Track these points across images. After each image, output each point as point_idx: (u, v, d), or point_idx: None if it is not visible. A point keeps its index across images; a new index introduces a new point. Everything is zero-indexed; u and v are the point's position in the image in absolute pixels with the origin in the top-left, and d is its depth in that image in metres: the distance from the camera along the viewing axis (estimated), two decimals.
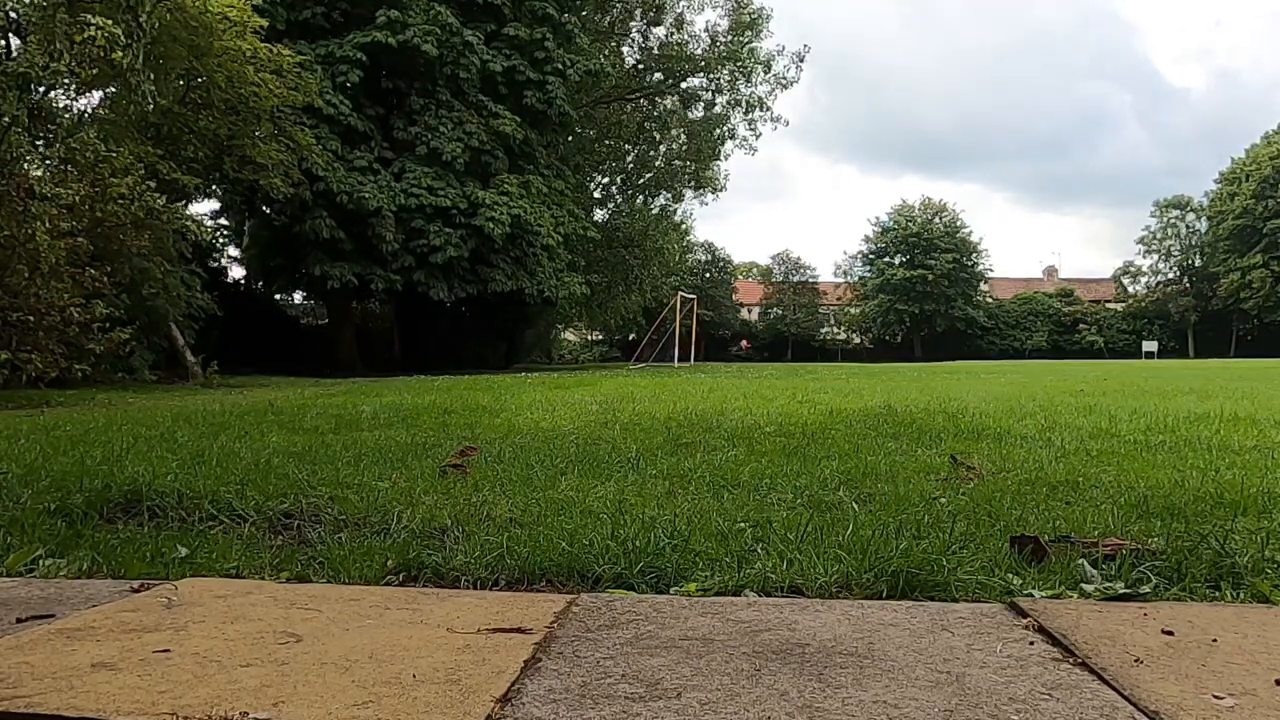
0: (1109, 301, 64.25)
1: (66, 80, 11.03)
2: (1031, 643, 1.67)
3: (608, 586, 2.10)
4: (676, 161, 35.43)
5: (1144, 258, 62.44)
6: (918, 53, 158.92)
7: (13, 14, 10.23)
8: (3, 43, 12.91)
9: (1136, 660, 1.55)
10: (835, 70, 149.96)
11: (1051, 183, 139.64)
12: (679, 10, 33.57)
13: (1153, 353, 54.83)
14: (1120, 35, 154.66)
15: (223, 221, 24.53)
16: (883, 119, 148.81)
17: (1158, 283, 61.60)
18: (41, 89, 10.95)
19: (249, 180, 17.83)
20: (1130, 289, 63.39)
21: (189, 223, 14.11)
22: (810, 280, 66.15)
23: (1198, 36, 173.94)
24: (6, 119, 10.13)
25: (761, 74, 34.08)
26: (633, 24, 33.42)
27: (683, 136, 35.21)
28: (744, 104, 34.60)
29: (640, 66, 33.91)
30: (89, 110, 15.86)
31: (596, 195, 35.78)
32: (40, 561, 2.32)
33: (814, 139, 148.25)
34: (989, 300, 64.03)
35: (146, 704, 1.32)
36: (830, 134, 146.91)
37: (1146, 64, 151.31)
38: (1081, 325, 60.74)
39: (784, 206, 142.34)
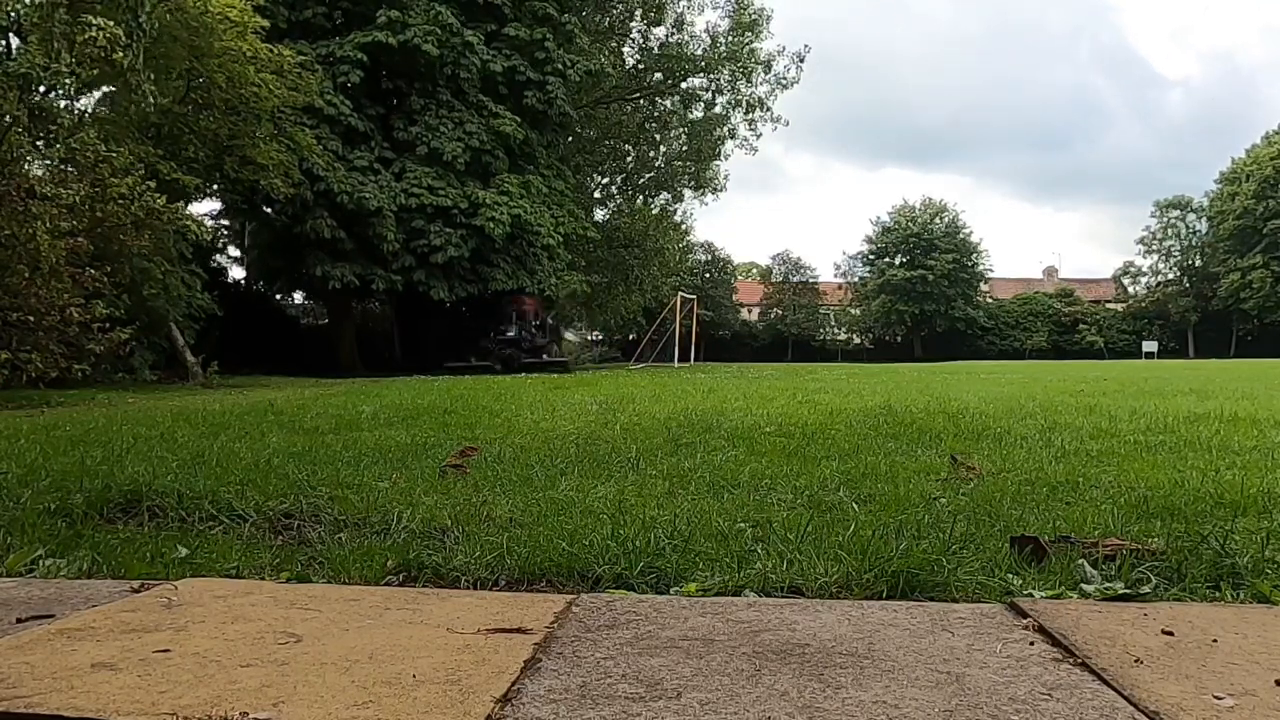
0: (1109, 302, 64.28)
1: (67, 81, 11.03)
2: (1031, 643, 1.66)
3: (608, 586, 2.10)
4: (677, 162, 35.45)
5: (1144, 258, 62.55)
6: (907, 45, 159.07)
7: (13, 14, 10.23)
8: (3, 43, 12.92)
9: (1136, 660, 1.55)
10: (827, 64, 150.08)
11: (1051, 178, 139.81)
12: (679, 10, 33.62)
13: (1153, 353, 54.83)
14: (1111, 27, 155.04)
15: (223, 222, 24.53)
16: (877, 114, 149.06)
17: (1158, 283, 61.64)
18: (42, 89, 10.95)
19: (249, 180, 17.82)
20: (1130, 289, 63.45)
21: (189, 223, 14.10)
22: (810, 281, 66.22)
23: (1191, 26, 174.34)
24: (7, 119, 10.13)
25: (762, 74, 34.13)
26: (633, 24, 33.43)
27: (683, 137, 35.23)
28: (744, 104, 34.64)
29: (640, 67, 33.92)
30: (89, 110, 15.88)
31: (596, 195, 35.80)
32: (40, 561, 2.32)
33: (809, 134, 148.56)
34: (989, 300, 64.07)
35: (146, 704, 1.32)
36: (825, 129, 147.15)
37: (1140, 58, 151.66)
38: (1081, 325, 60.76)
39: (780, 201, 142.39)
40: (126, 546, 2.43)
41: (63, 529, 2.62)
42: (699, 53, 33.68)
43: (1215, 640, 1.66)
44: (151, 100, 12.05)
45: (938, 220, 61.62)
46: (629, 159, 35.45)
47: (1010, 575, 2.11)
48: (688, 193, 36.92)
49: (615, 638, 1.68)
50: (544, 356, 22.58)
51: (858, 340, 65.48)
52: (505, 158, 23.28)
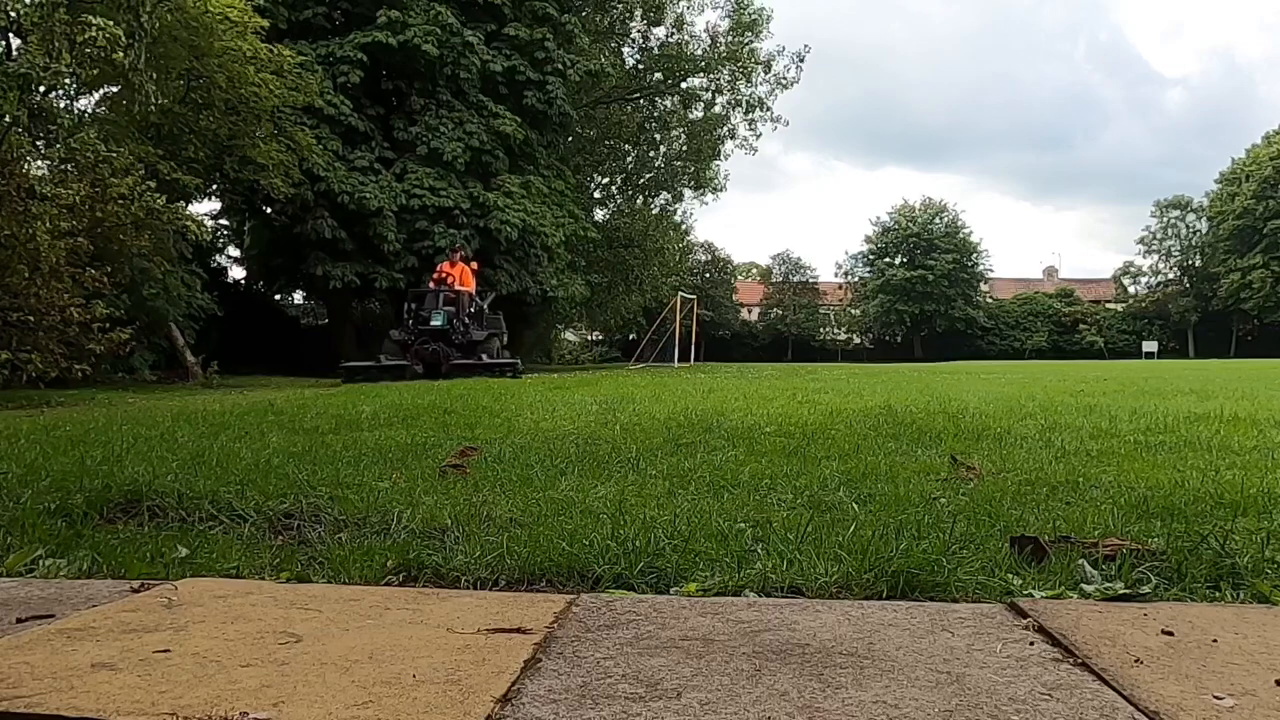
0: (1109, 302, 64.32)
1: (67, 81, 11.04)
2: (1031, 643, 1.66)
3: (608, 586, 2.10)
4: (677, 162, 35.48)
5: (1144, 258, 62.63)
6: (905, 43, 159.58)
7: (13, 14, 10.24)
8: (3, 43, 12.93)
9: (1136, 660, 1.55)
10: (825, 63, 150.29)
11: (1051, 177, 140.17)
12: (679, 10, 33.65)
13: (1153, 353, 54.86)
14: (1109, 25, 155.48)
15: (223, 221, 24.55)
16: (876, 112, 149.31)
17: (1158, 283, 61.71)
18: (42, 89, 10.95)
19: (249, 180, 17.85)
20: (1130, 289, 63.51)
21: (189, 223, 14.12)
22: (810, 280, 66.26)
23: (1188, 23, 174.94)
24: (7, 119, 10.13)
25: (762, 74, 34.18)
26: (633, 24, 33.46)
27: (683, 137, 35.27)
28: (744, 104, 34.69)
29: (640, 67, 33.95)
30: (89, 110, 15.90)
31: (596, 195, 35.83)
32: (40, 561, 2.32)
33: (808, 133, 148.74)
34: (989, 300, 64.11)
35: (146, 704, 1.32)
36: (824, 128, 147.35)
37: (1139, 55, 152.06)
38: (1081, 326, 60.79)
39: (780, 201, 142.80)
40: (126, 546, 2.42)
41: (63, 529, 2.62)
42: (699, 53, 33.72)
43: (1215, 640, 1.66)
44: (154, 100, 12.06)
45: (938, 220, 61.66)
46: (629, 159, 35.47)
47: (1010, 575, 2.11)
48: (688, 193, 37.00)
49: (615, 638, 1.68)
50: (482, 356, 16.22)
51: (858, 340, 65.53)
52: (505, 158, 23.29)
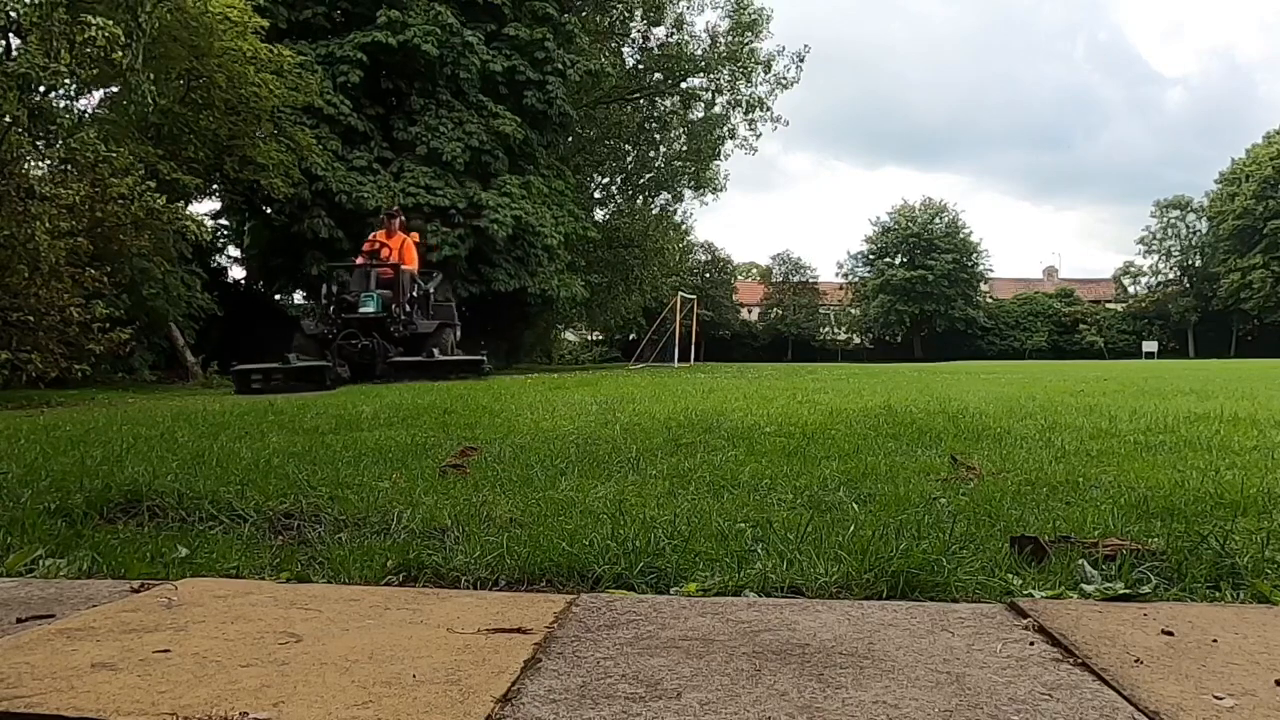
0: (1109, 302, 64.39)
1: (67, 81, 11.03)
2: (1031, 643, 1.66)
3: (608, 586, 2.10)
4: (676, 162, 35.49)
5: (1144, 258, 62.73)
6: (905, 43, 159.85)
7: (12, 13, 10.25)
8: (2, 43, 12.92)
9: (1136, 660, 1.55)
10: (825, 62, 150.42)
11: (1051, 176, 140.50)
12: (679, 10, 33.67)
13: (1153, 353, 54.91)
14: (1109, 25, 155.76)
15: (223, 221, 24.56)
16: (876, 112, 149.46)
17: (1158, 283, 61.78)
18: (42, 89, 10.95)
19: (249, 180, 17.85)
20: (1130, 289, 63.59)
21: (189, 223, 14.10)
22: (810, 280, 66.31)
23: (1188, 23, 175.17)
24: (7, 119, 10.13)
25: (762, 74, 34.20)
26: (633, 24, 33.47)
27: (683, 137, 35.30)
28: (744, 104, 34.70)
29: (640, 67, 33.97)
30: (89, 110, 15.91)
31: (597, 195, 35.83)
32: (40, 561, 2.32)
33: (808, 133, 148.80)
34: (989, 300, 64.16)
35: (146, 704, 1.32)
36: (824, 128, 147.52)
37: (1138, 55, 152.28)
38: (1081, 326, 60.83)
39: (780, 201, 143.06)
40: (126, 546, 2.43)
41: (63, 529, 2.62)
42: (699, 53, 33.74)
43: (1215, 640, 1.66)
44: (151, 101, 12.05)
45: (937, 220, 61.73)
46: (629, 159, 35.49)
47: (1010, 575, 2.11)
48: (688, 193, 37.01)
49: (615, 638, 1.68)
50: (434, 351, 12.40)
51: (858, 340, 65.61)
52: (505, 158, 23.28)
